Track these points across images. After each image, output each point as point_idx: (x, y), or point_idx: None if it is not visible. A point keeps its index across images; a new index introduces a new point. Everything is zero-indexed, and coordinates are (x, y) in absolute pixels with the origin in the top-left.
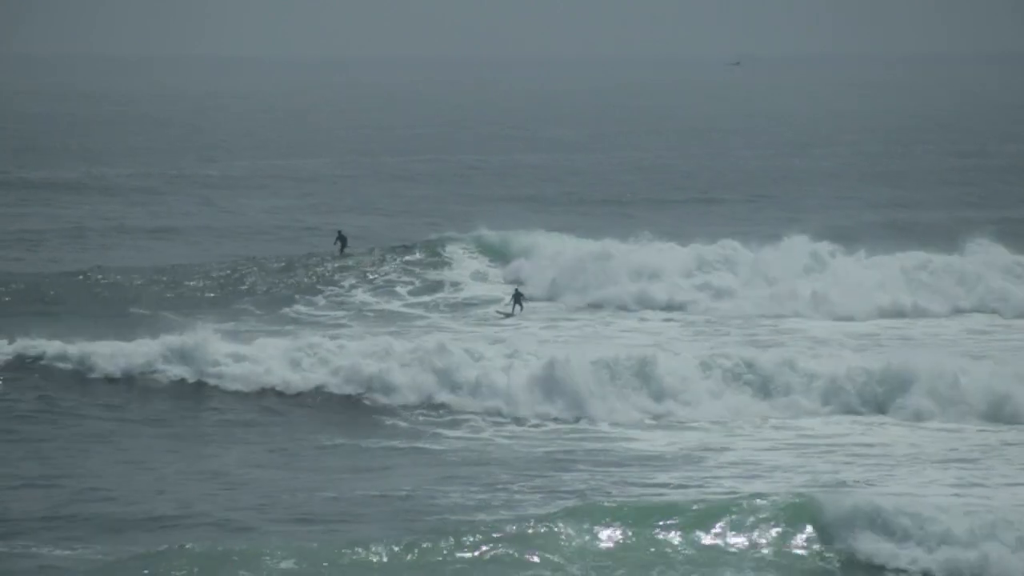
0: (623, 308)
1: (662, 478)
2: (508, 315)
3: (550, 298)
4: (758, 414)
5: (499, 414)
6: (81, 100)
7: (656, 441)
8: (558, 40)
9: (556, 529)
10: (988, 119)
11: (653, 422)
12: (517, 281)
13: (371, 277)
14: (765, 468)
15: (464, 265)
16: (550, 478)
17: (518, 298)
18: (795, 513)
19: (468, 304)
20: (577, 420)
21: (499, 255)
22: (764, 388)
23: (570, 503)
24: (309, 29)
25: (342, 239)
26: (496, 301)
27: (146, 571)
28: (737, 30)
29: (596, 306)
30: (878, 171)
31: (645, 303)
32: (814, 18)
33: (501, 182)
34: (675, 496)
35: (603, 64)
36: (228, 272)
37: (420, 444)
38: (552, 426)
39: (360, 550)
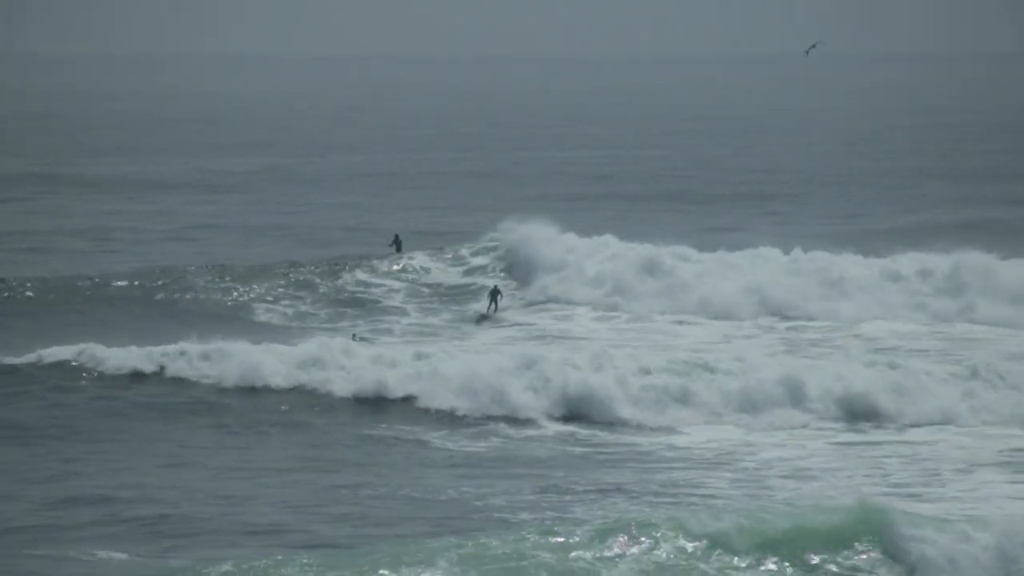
0: (661, 312)
1: (713, 482)
2: (483, 315)
3: (592, 302)
4: (799, 419)
5: (557, 417)
6: (115, 100)
7: (696, 440)
8: (557, 40)
9: (604, 531)
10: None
11: (695, 423)
12: (498, 279)
13: (423, 278)
14: (804, 471)
15: (505, 267)
16: (598, 479)
17: (494, 296)
18: (858, 525)
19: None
20: (611, 423)
21: (534, 259)
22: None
23: (619, 503)
24: (314, 28)
25: (398, 242)
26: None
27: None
28: (737, 29)
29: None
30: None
31: (683, 308)
32: (814, 18)
33: (544, 180)
34: (725, 499)
35: (604, 64)
36: (283, 270)
37: (464, 444)
38: (593, 428)
39: (413, 551)
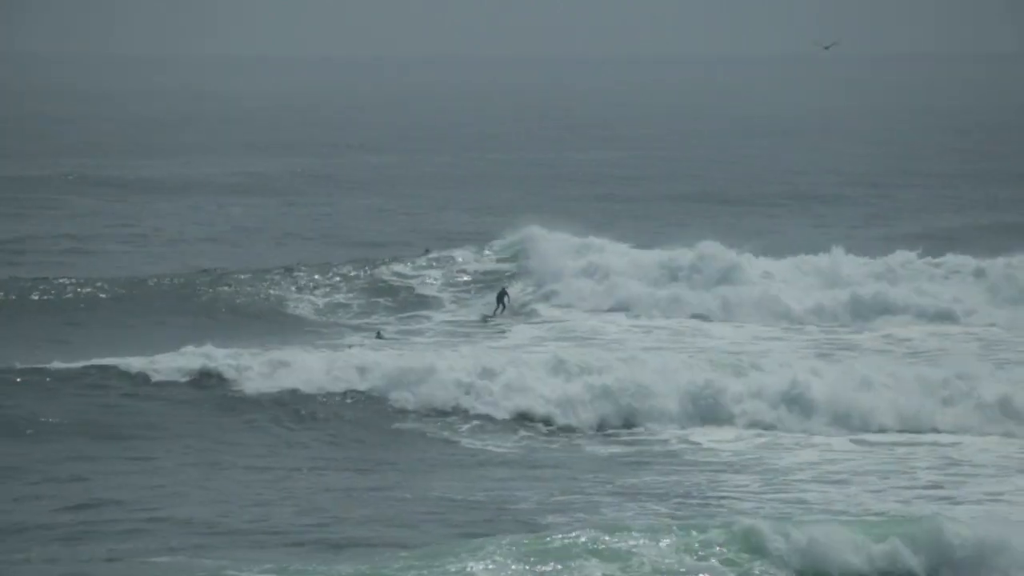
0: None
1: (746, 485)
2: (489, 316)
3: (619, 307)
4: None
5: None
6: (125, 101)
7: (723, 442)
8: (556, 41)
9: (634, 533)
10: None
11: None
12: (505, 281)
13: (455, 270)
14: (833, 475)
15: (520, 268)
16: (626, 481)
17: (501, 298)
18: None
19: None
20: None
21: (547, 264)
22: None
23: (649, 505)
24: (315, 29)
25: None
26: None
27: None
28: (737, 30)
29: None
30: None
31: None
32: (814, 18)
33: (564, 181)
34: (758, 503)
35: (604, 65)
36: (318, 268)
37: (493, 445)
38: (619, 429)
39: (466, 547)
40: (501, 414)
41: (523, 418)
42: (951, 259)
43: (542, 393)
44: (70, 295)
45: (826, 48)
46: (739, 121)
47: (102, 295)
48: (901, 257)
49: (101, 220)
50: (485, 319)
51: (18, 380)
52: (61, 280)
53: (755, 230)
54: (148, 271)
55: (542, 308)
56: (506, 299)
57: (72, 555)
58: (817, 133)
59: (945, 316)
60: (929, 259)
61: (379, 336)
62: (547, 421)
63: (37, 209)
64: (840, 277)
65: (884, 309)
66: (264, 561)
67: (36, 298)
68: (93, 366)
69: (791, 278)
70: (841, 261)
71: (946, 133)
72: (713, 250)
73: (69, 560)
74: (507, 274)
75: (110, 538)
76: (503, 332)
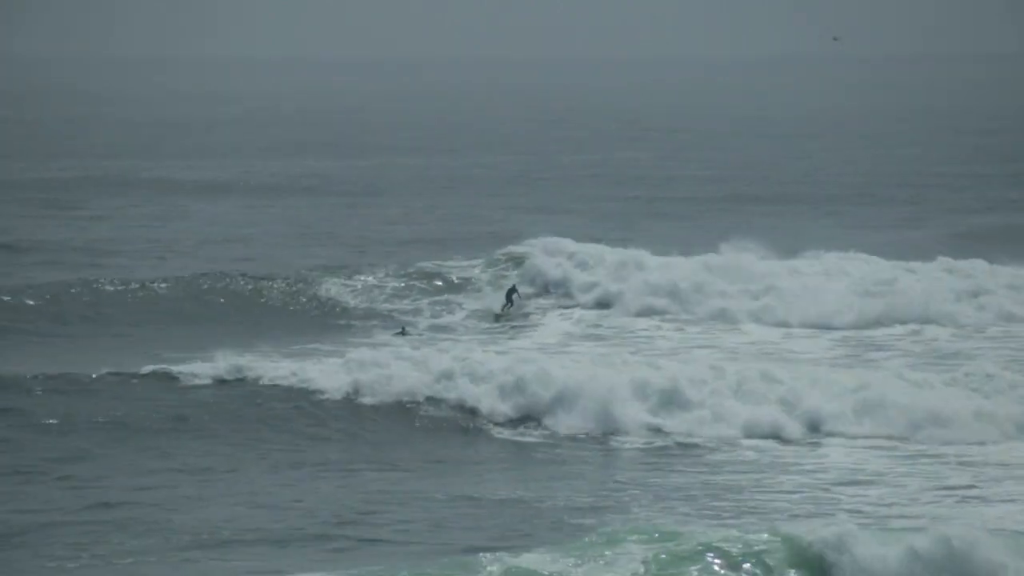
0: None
1: (776, 486)
2: (498, 314)
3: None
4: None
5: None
6: (134, 103)
7: (747, 442)
8: (555, 41)
9: (670, 533)
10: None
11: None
12: (515, 278)
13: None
14: (861, 476)
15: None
16: (654, 482)
17: (510, 295)
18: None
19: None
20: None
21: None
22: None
23: (679, 507)
24: (317, 30)
25: None
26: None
27: None
28: (737, 31)
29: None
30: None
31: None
32: (814, 19)
33: (607, 182)
34: (789, 503)
35: (604, 65)
36: (350, 270)
37: (516, 444)
38: (642, 431)
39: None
40: (534, 415)
41: (558, 422)
42: (1002, 269)
43: (582, 396)
44: (98, 298)
45: (834, 39)
46: (746, 122)
47: (130, 297)
48: (942, 263)
49: (131, 222)
50: (496, 316)
51: (47, 382)
52: (94, 282)
53: (783, 231)
54: (177, 272)
55: (565, 307)
56: (515, 297)
57: (98, 554)
58: (833, 134)
59: (982, 322)
60: (984, 261)
61: (403, 332)
62: (583, 431)
63: (65, 211)
64: (877, 280)
65: (919, 315)
66: (295, 561)
67: (65, 301)
68: (120, 368)
69: (822, 279)
70: (878, 263)
71: (947, 133)
72: (743, 251)
73: (94, 558)
74: (517, 274)
75: (136, 537)
76: (534, 327)
